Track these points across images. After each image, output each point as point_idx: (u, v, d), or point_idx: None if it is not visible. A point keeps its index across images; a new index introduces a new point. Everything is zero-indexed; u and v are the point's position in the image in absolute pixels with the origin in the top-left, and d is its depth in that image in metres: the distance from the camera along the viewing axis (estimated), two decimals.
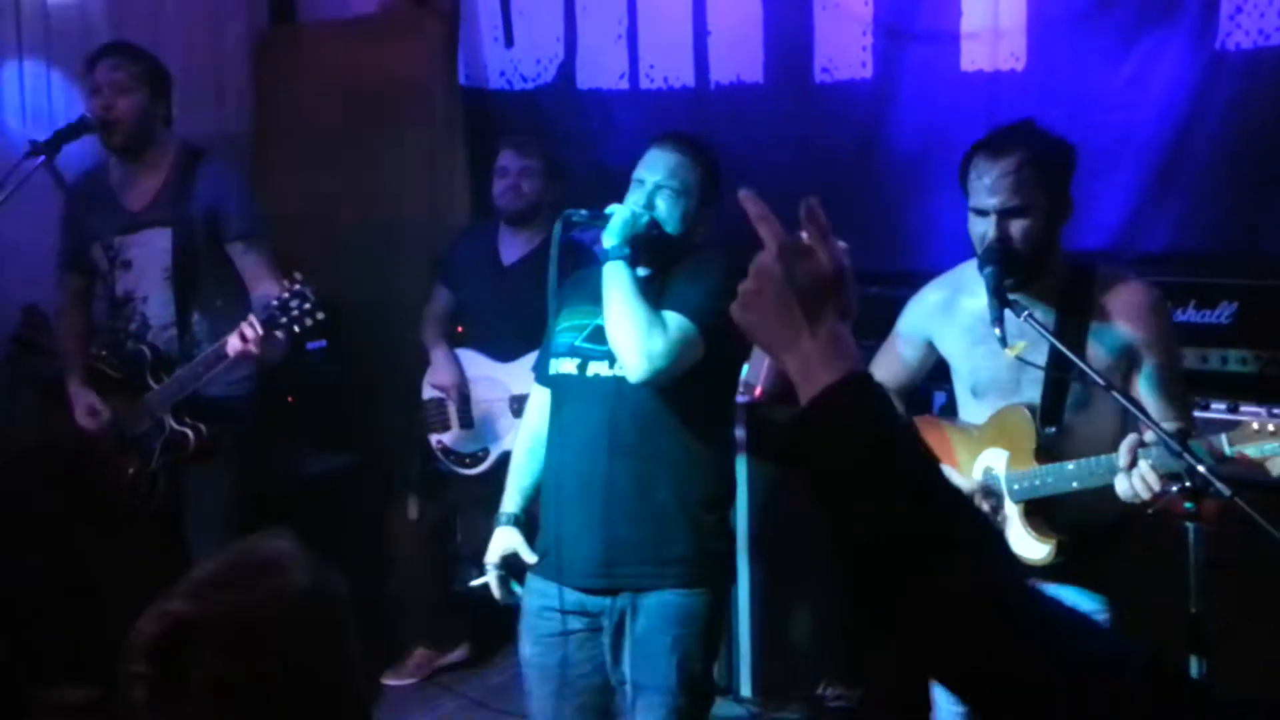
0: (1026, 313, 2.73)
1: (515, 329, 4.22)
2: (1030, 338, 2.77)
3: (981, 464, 2.96)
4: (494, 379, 4.46)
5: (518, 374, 4.24)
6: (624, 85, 4.97)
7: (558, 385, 3.04)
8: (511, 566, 3.07)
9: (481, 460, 4.51)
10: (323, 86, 5.53)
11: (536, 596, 3.03)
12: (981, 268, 2.81)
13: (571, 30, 5.06)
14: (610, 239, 2.88)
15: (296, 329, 3.53)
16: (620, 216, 2.89)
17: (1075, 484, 2.76)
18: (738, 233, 3.35)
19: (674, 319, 2.82)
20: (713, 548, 2.97)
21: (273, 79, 5.72)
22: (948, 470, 2.86)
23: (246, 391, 3.95)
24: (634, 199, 2.96)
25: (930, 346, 3.10)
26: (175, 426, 3.85)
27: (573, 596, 2.96)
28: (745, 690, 4.24)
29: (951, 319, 3.02)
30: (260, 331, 3.52)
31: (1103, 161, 4.07)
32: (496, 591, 3.08)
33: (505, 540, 3.07)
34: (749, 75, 4.73)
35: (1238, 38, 3.87)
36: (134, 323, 3.92)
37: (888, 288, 4.01)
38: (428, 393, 4.64)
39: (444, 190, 5.41)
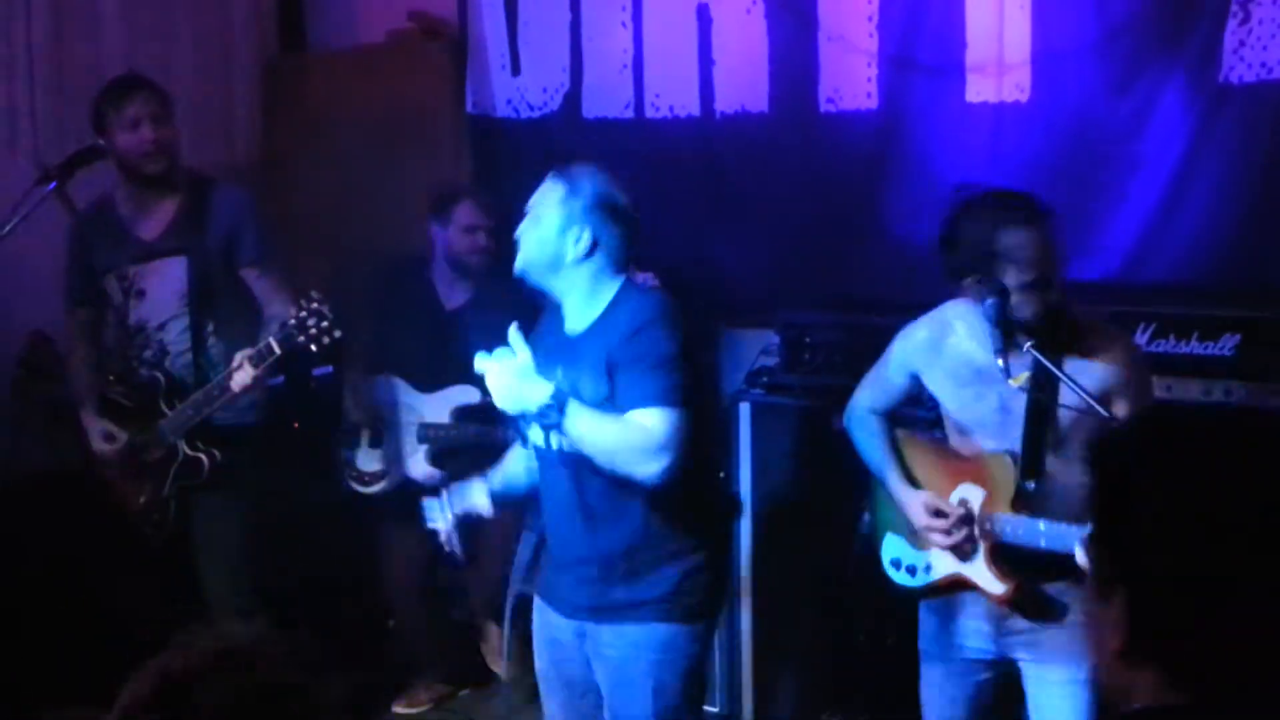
0: (1030, 344, 2.80)
1: (451, 369, 4.22)
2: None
3: (957, 495, 3.04)
4: (410, 405, 4.50)
5: (433, 404, 4.44)
6: (629, 114, 5.00)
7: (535, 451, 3.08)
8: (465, 523, 3.17)
9: (379, 479, 4.53)
10: (330, 115, 5.56)
11: (541, 613, 3.16)
12: (982, 298, 2.85)
13: (578, 59, 5.09)
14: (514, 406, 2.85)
15: (314, 347, 3.59)
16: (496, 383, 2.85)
17: (1043, 543, 2.85)
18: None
19: (656, 419, 2.78)
20: (690, 585, 2.97)
21: (281, 107, 5.75)
22: (927, 493, 3.05)
23: (256, 418, 3.97)
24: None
25: (917, 380, 3.16)
26: (189, 452, 3.88)
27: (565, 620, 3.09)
28: (747, 718, 4.23)
29: (938, 358, 3.07)
30: (255, 369, 3.62)
31: (1106, 194, 4.10)
32: (442, 537, 3.19)
33: (474, 498, 3.16)
34: (754, 105, 4.75)
35: (1240, 71, 3.88)
36: (149, 350, 3.96)
37: (891, 317, 4.04)
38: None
39: None
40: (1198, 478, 3.16)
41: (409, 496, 3.78)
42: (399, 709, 4.65)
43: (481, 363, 2.86)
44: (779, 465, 4.12)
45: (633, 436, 2.79)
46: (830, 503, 3.96)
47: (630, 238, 2.96)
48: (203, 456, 3.88)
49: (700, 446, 2.94)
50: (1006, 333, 2.81)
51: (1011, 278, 2.82)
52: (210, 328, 3.98)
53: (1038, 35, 4.20)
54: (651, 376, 2.81)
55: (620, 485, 2.87)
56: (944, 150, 4.39)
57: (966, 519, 3.00)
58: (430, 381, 4.47)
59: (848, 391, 3.87)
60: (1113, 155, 4.10)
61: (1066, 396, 2.86)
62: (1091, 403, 2.74)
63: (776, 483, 4.13)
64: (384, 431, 4.57)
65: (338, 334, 3.56)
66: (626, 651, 2.95)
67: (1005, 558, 2.96)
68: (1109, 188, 4.09)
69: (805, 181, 4.67)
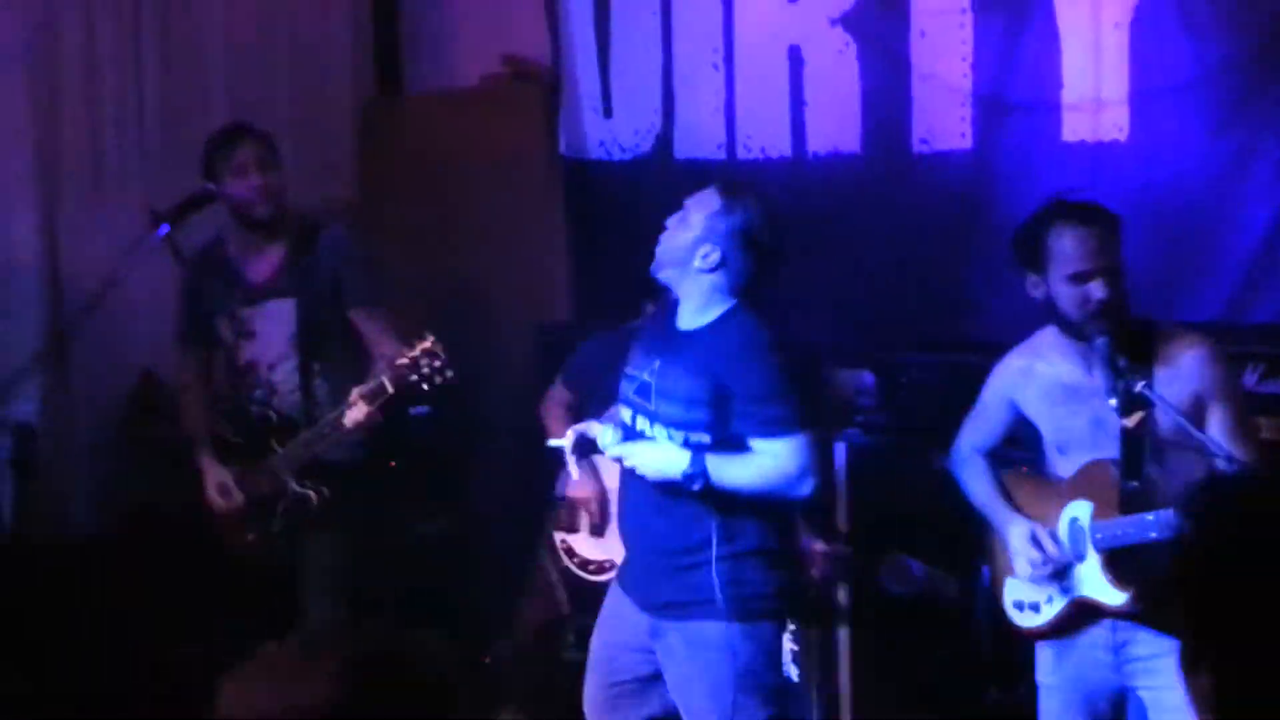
0: (1144, 384, 2.87)
1: None
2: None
3: (1068, 514, 3.09)
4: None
5: None
6: (721, 155, 5.04)
7: (624, 428, 3.25)
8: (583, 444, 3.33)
9: (606, 570, 4.31)
10: (425, 157, 5.65)
11: (613, 596, 3.35)
12: (1091, 337, 2.93)
13: (670, 100, 5.14)
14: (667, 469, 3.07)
15: (426, 386, 3.64)
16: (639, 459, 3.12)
17: (1154, 534, 2.87)
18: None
19: (786, 447, 3.00)
20: (746, 587, 3.09)
21: (377, 149, 5.86)
22: (1028, 521, 3.10)
23: (360, 455, 4.03)
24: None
25: (1013, 407, 3.25)
26: (297, 489, 3.95)
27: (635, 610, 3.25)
28: None
29: (1031, 383, 3.18)
30: (369, 406, 3.67)
31: (1208, 234, 4.07)
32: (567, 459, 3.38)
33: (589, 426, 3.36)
34: (847, 146, 4.78)
35: None
36: (259, 389, 4.04)
37: (985, 358, 4.03)
38: (562, 490, 4.51)
39: (543, 259, 5.50)
40: None
41: None
42: None
43: (613, 446, 3.12)
44: (875, 504, 4.10)
45: (769, 469, 3.02)
46: (930, 544, 3.96)
47: (758, 271, 3.15)
48: (311, 493, 3.94)
49: None
50: (1118, 372, 2.88)
51: (1056, 271, 2.98)
52: (317, 368, 4.05)
53: (1135, 73, 4.21)
54: (774, 408, 3.02)
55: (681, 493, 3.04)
56: (1040, 190, 4.32)
57: (1074, 540, 3.05)
58: None
59: (943, 431, 3.88)
60: (1213, 195, 4.07)
61: (1165, 420, 2.91)
62: (1199, 435, 2.82)
63: (874, 522, 4.11)
64: (606, 518, 4.36)
65: (450, 374, 3.62)
66: (683, 649, 3.12)
67: (1121, 566, 2.98)
68: (1211, 228, 4.07)
69: (898, 222, 4.69)
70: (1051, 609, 3.12)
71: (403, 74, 6.05)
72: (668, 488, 3.08)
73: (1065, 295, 3.00)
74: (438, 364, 3.60)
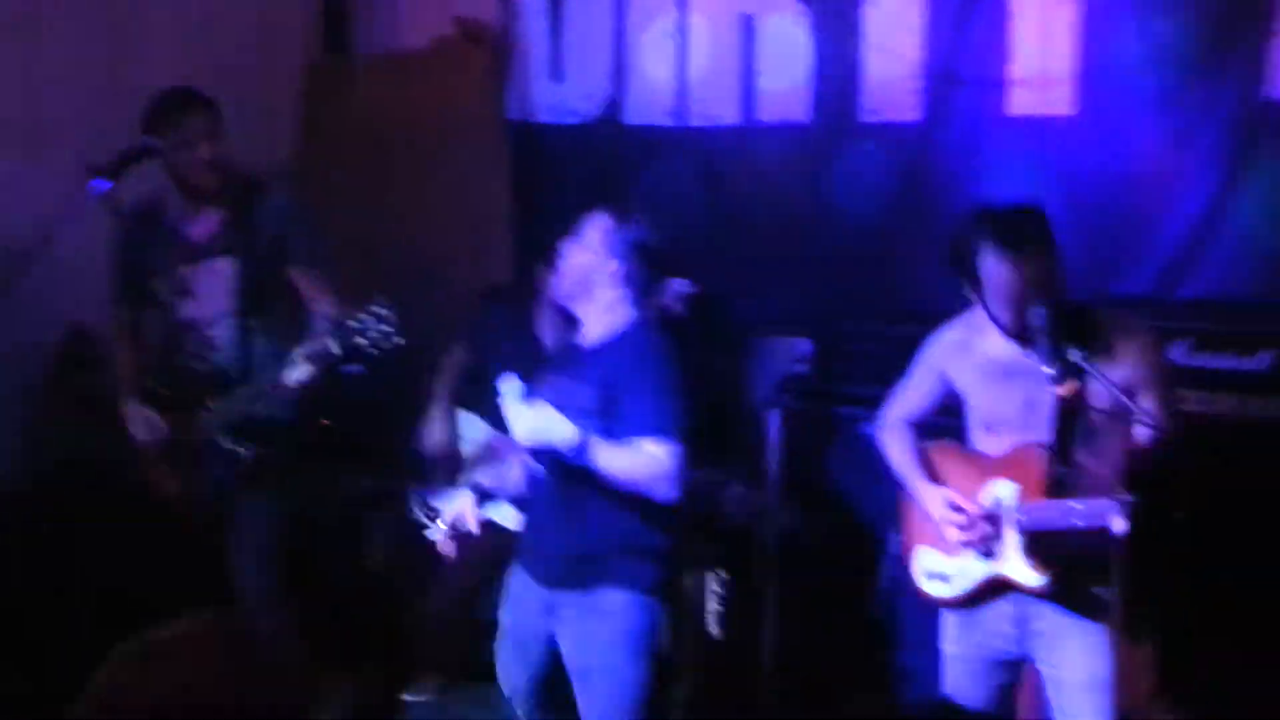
0: (1083, 354, 2.83)
1: None
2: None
3: (992, 492, 3.08)
4: (494, 449, 4.46)
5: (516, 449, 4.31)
6: (671, 122, 5.01)
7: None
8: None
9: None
10: (372, 118, 5.60)
11: (515, 575, 3.43)
12: (1027, 307, 2.90)
13: (621, 66, 5.12)
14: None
15: (374, 351, 3.59)
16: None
17: (1078, 522, 2.88)
18: None
19: (665, 452, 3.07)
20: (643, 566, 3.21)
21: (323, 109, 5.80)
22: (946, 490, 3.12)
23: (292, 414, 3.98)
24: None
25: (945, 381, 3.24)
26: (227, 445, 3.90)
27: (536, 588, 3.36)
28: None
29: (966, 358, 3.16)
30: (315, 370, 3.65)
31: (1148, 208, 4.09)
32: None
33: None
34: (796, 115, 4.77)
35: None
36: (196, 346, 3.99)
37: (927, 328, 4.03)
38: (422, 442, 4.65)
39: (487, 221, 5.45)
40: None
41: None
42: (408, 696, 4.66)
43: (506, 396, 3.15)
44: (808, 471, 4.09)
45: (646, 465, 3.09)
46: (858, 509, 3.96)
47: (653, 282, 3.28)
48: (240, 450, 3.90)
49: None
50: (1054, 340, 2.84)
51: (990, 292, 2.98)
52: (257, 325, 4.01)
53: (1084, 50, 4.22)
54: (661, 408, 3.11)
55: (595, 491, 3.13)
56: (985, 162, 4.39)
57: (990, 517, 3.05)
58: None
59: (881, 400, 3.88)
60: (1154, 171, 4.09)
61: (1096, 394, 2.89)
62: (1130, 405, 2.79)
63: (805, 488, 4.11)
64: (462, 472, 4.48)
65: (399, 341, 3.58)
66: (577, 618, 3.22)
67: (1040, 548, 2.98)
68: (1151, 202, 4.09)
69: (845, 191, 4.67)
70: (963, 581, 3.13)
71: (350, 35, 5.97)
72: (571, 479, 3.15)
73: (999, 310, 2.99)
74: (386, 329, 3.56)
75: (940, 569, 3.17)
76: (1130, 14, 4.15)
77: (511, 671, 3.47)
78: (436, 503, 4.50)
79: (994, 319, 3.01)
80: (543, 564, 3.34)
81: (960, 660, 3.19)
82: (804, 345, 4.28)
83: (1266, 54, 3.87)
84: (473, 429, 4.53)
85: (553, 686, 3.38)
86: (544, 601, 3.33)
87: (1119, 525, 2.76)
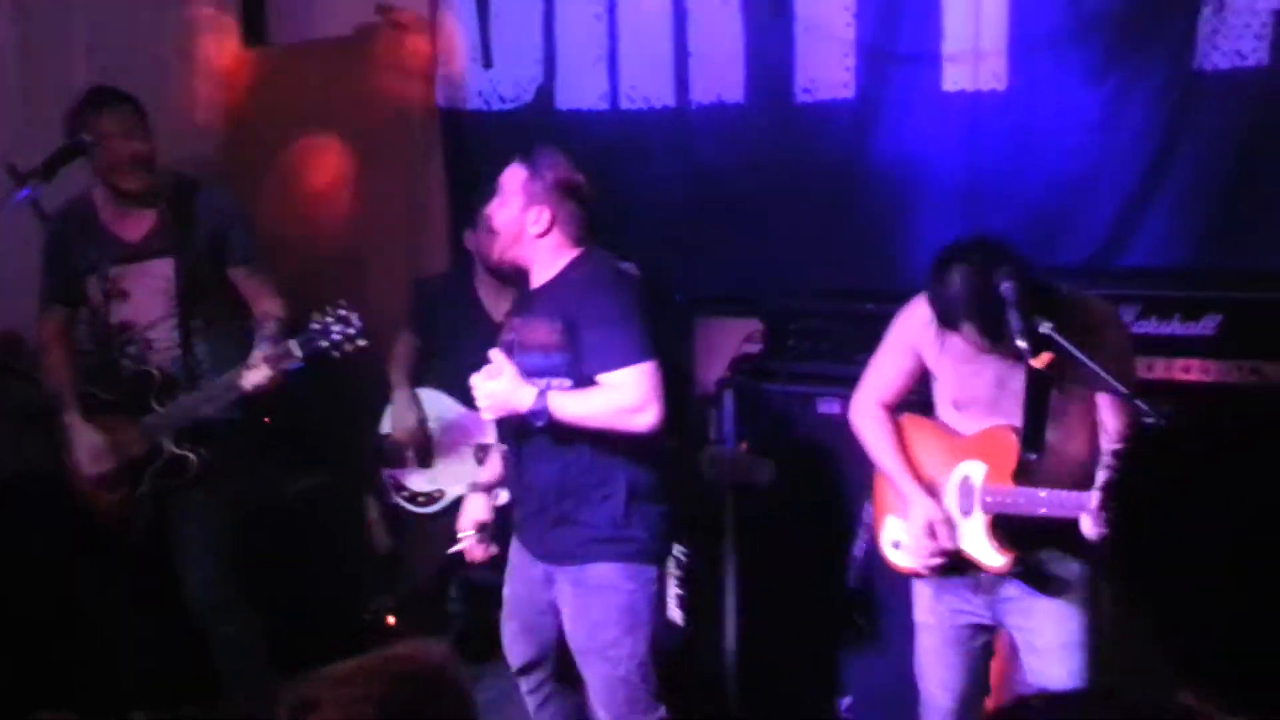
0: (1050, 325, 2.84)
1: None
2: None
3: (960, 471, 3.12)
4: (462, 424, 4.45)
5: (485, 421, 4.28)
6: (604, 106, 4.98)
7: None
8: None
9: (435, 500, 4.53)
10: (297, 110, 5.51)
11: (514, 550, 3.49)
12: (998, 282, 2.87)
13: (551, 51, 5.07)
14: (519, 405, 3.17)
15: (336, 353, 3.57)
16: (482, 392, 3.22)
17: (1044, 510, 2.94)
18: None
19: (626, 379, 3.11)
20: (630, 534, 3.27)
21: (244, 101, 5.69)
22: (934, 506, 3.11)
23: (238, 414, 3.92)
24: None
25: (918, 358, 3.22)
26: (175, 450, 3.83)
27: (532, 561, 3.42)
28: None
29: (938, 336, 3.10)
30: (274, 373, 3.64)
31: (1084, 179, 4.15)
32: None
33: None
34: (730, 95, 4.76)
35: (1215, 59, 3.95)
36: (134, 348, 3.91)
37: (869, 305, 4.07)
38: (386, 428, 4.66)
39: (421, 211, 5.40)
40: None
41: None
42: None
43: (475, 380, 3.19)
44: (764, 450, 4.11)
45: (610, 401, 3.12)
46: (815, 488, 3.98)
47: (586, 216, 3.31)
48: (190, 455, 3.84)
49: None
50: (1025, 313, 2.83)
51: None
52: (198, 326, 3.95)
53: (1014, 24, 4.25)
54: (615, 336, 3.14)
55: (563, 441, 3.18)
56: (921, 139, 4.42)
57: (963, 494, 3.09)
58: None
59: (832, 378, 3.91)
60: (1090, 143, 4.15)
61: (1069, 371, 2.91)
62: (1109, 379, 2.82)
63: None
64: (433, 451, 4.53)
65: (363, 343, 3.55)
66: (571, 591, 3.29)
67: (1004, 530, 3.02)
68: (1086, 174, 4.15)
69: (782, 171, 4.68)
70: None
71: (268, 25, 5.86)
72: (548, 439, 3.21)
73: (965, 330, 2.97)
74: (351, 331, 3.54)
75: (906, 541, 3.20)
76: None
77: (520, 643, 3.48)
78: (417, 487, 4.50)
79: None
80: (534, 537, 3.37)
81: (933, 629, 3.23)
82: (750, 326, 4.31)
83: (1197, 25, 3.93)
84: (438, 406, 4.52)
85: (564, 655, 3.40)
86: (546, 573, 3.37)
87: (1089, 529, 2.84)
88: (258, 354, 3.64)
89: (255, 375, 3.64)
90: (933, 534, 3.08)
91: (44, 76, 4.86)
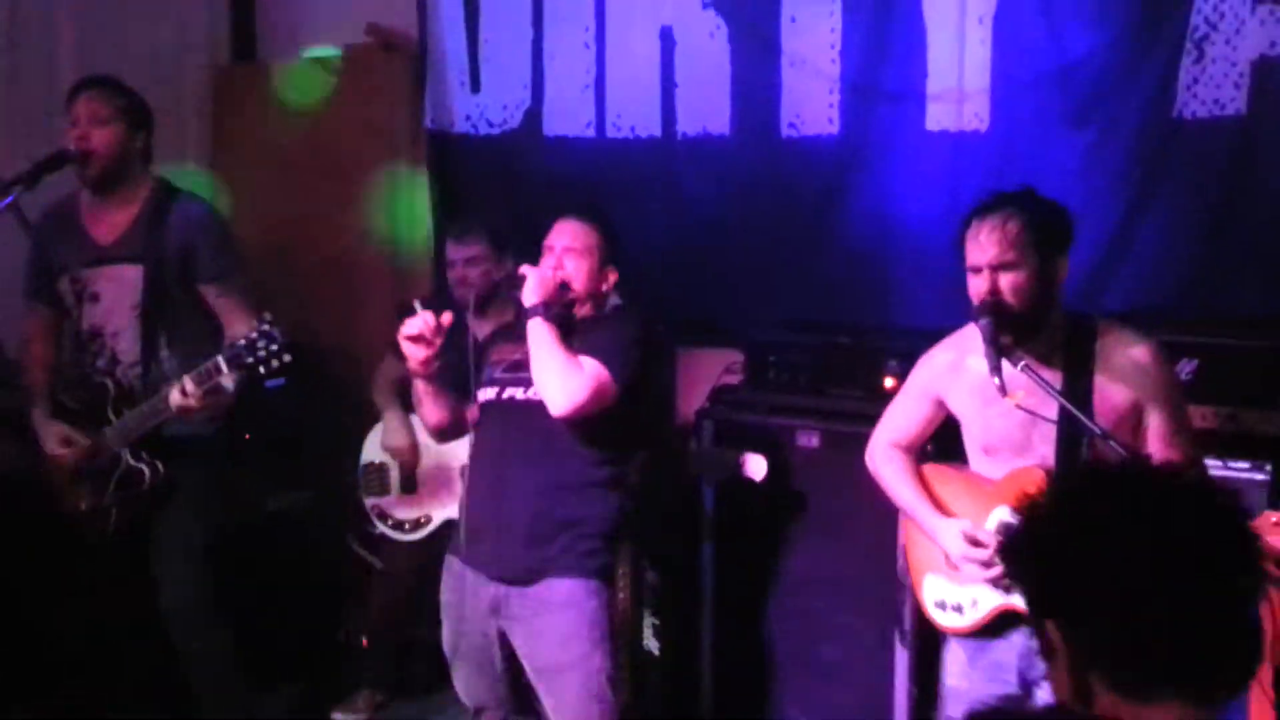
0: (1024, 363, 2.84)
1: None
2: (1026, 386, 2.90)
3: (994, 518, 3.03)
4: (447, 448, 4.46)
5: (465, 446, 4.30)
6: (590, 133, 5.01)
7: (482, 411, 3.47)
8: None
9: (423, 526, 4.55)
10: (284, 127, 5.52)
11: (452, 578, 3.48)
12: (976, 319, 2.89)
13: (539, 77, 5.09)
14: (529, 297, 3.32)
15: (263, 369, 3.50)
16: (534, 278, 3.34)
17: None
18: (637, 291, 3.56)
19: (590, 364, 3.23)
20: (591, 549, 3.33)
21: (233, 116, 5.70)
22: (962, 521, 3.01)
23: (212, 430, 3.90)
24: (546, 263, 3.41)
25: (940, 404, 3.19)
26: (131, 463, 3.80)
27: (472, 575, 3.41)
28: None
29: (960, 379, 3.10)
30: (197, 388, 3.53)
31: None
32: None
33: None
34: (716, 127, 4.79)
35: (1194, 107, 4.00)
36: (101, 358, 3.88)
37: (848, 339, 4.12)
38: (369, 455, 4.68)
39: (407, 233, 5.41)
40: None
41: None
42: (338, 715, 4.64)
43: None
44: (743, 481, 4.14)
45: (570, 365, 3.22)
46: (792, 520, 4.01)
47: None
48: (144, 468, 3.80)
49: (624, 436, 3.39)
50: (999, 351, 2.84)
51: (975, 260, 2.92)
52: (163, 339, 3.89)
53: (997, 65, 4.30)
54: (609, 342, 3.30)
55: (555, 437, 3.28)
56: (903, 176, 4.46)
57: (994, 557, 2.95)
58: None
59: (811, 410, 3.94)
60: (1069, 186, 4.15)
61: (1095, 403, 2.88)
62: (1079, 416, 2.78)
63: (740, 498, 4.15)
64: (415, 474, 4.54)
65: (287, 358, 3.49)
66: (532, 611, 3.30)
67: None
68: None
69: (766, 204, 4.71)
70: (976, 613, 3.06)
71: (257, 41, 5.88)
72: (538, 449, 3.32)
73: (970, 286, 2.96)
74: (274, 346, 3.47)
75: (952, 599, 3.10)
76: (1043, 28, 4.23)
77: (473, 685, 3.46)
78: (402, 515, 4.51)
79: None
80: (487, 556, 3.36)
81: (964, 696, 3.10)
82: (731, 357, 4.34)
83: (1178, 73, 3.99)
84: (422, 431, 4.52)
85: (522, 687, 3.40)
86: (490, 601, 3.36)
87: None
88: (186, 375, 3.59)
89: (176, 395, 3.57)
90: (977, 543, 2.99)
91: (30, 89, 4.86)
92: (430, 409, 3.54)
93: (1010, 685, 3.03)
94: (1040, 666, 2.93)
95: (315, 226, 5.39)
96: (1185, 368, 3.53)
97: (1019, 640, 3.00)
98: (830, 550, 3.95)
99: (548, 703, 3.34)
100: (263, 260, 5.04)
